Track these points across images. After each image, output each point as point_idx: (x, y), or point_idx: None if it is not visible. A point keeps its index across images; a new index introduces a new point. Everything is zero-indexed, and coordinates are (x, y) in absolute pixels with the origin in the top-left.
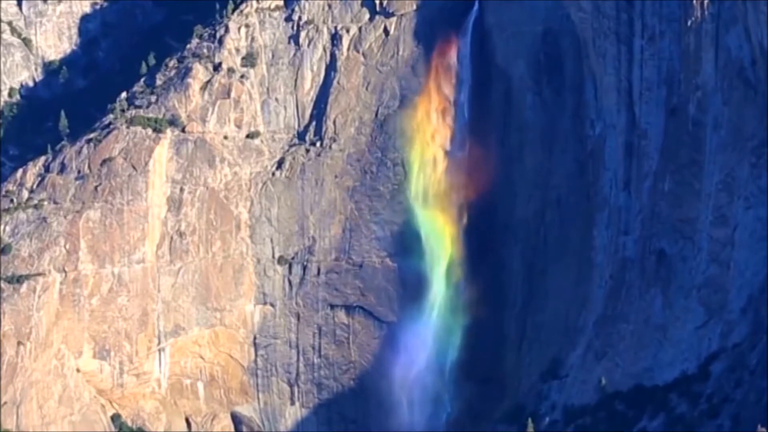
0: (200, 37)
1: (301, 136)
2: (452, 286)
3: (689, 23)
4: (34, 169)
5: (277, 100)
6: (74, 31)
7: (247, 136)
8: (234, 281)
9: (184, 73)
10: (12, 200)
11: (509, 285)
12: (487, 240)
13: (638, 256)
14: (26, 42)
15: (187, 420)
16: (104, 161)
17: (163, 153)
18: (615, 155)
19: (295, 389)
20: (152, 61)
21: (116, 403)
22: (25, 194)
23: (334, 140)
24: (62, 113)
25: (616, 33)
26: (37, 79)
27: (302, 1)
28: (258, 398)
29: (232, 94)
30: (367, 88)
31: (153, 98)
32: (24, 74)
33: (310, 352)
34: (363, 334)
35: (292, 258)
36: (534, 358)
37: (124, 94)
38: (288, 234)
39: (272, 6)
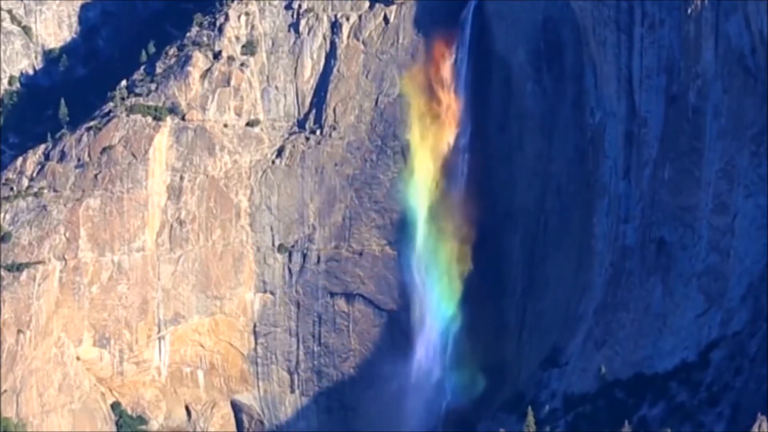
0: (200, 25)
1: (301, 124)
2: (452, 274)
3: (689, 11)
4: (34, 157)
5: (277, 88)
6: (74, 19)
7: (247, 124)
8: (234, 269)
9: (184, 61)
10: (12, 188)
11: (509, 273)
12: (487, 228)
13: (638, 244)
14: (26, 30)
15: (187, 408)
16: (104, 149)
17: (163, 141)
18: (615, 143)
19: (295, 377)
20: (152, 49)
21: (116, 391)
22: (25, 182)
23: (334, 128)
24: (62, 101)
25: (616, 21)
26: (37, 68)
27: None
28: (258, 386)
29: (232, 82)
30: (367, 76)
31: (153, 86)
32: (24, 62)
33: (310, 340)
34: (363, 322)
35: (292, 246)
36: (534, 346)
37: (124, 83)
38: (288, 222)
39: None
